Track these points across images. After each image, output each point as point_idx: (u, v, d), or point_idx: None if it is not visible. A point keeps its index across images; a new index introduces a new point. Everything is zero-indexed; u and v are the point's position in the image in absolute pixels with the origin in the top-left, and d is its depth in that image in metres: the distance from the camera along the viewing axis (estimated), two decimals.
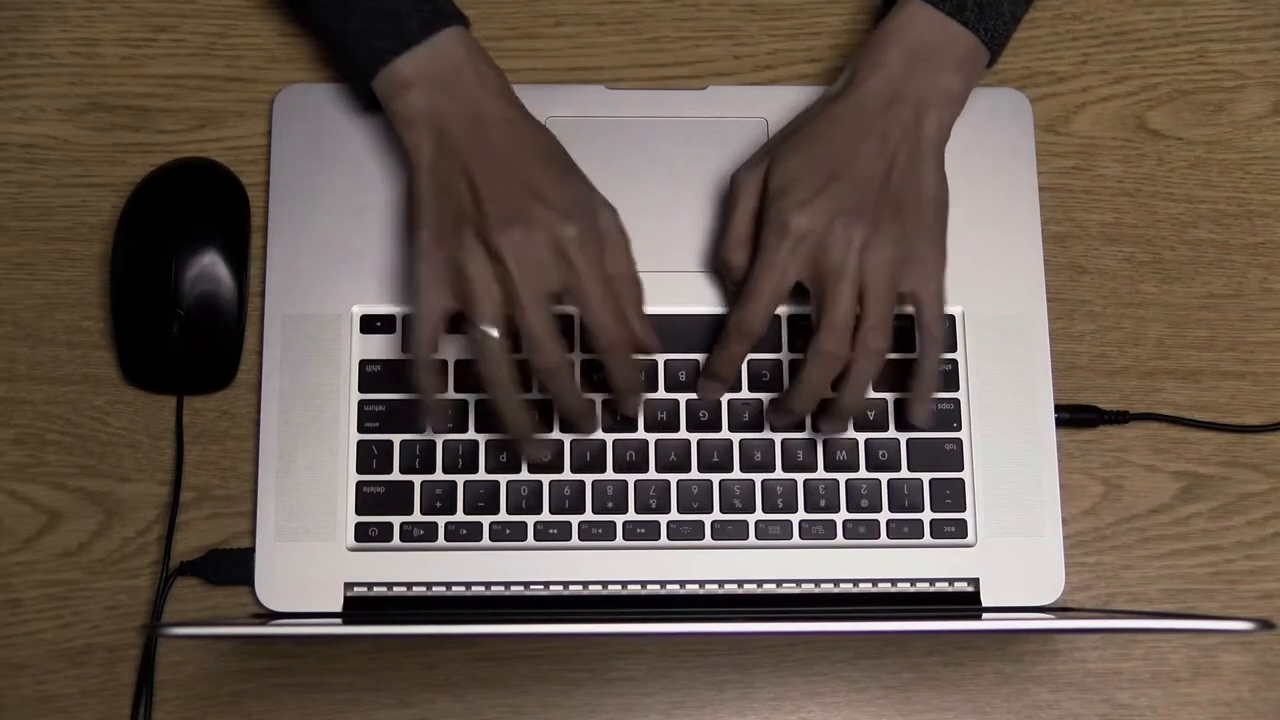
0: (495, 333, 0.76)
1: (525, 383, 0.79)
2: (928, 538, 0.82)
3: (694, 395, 0.82)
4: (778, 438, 0.82)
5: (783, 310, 0.82)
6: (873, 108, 0.79)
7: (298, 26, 0.87)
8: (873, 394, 0.82)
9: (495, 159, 0.78)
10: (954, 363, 0.83)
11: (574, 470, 0.82)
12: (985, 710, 0.81)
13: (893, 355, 0.80)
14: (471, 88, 0.79)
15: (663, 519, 0.81)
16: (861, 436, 0.82)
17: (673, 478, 0.82)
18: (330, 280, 0.83)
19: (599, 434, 0.82)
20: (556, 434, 0.82)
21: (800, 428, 0.82)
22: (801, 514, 0.81)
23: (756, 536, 0.81)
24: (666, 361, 0.82)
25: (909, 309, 0.79)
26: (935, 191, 0.79)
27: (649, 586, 0.81)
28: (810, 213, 0.77)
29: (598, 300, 0.77)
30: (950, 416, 0.83)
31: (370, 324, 0.83)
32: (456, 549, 0.81)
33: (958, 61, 0.80)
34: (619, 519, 0.81)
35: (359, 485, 0.81)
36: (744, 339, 0.79)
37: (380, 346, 0.83)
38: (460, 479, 0.81)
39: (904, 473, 0.82)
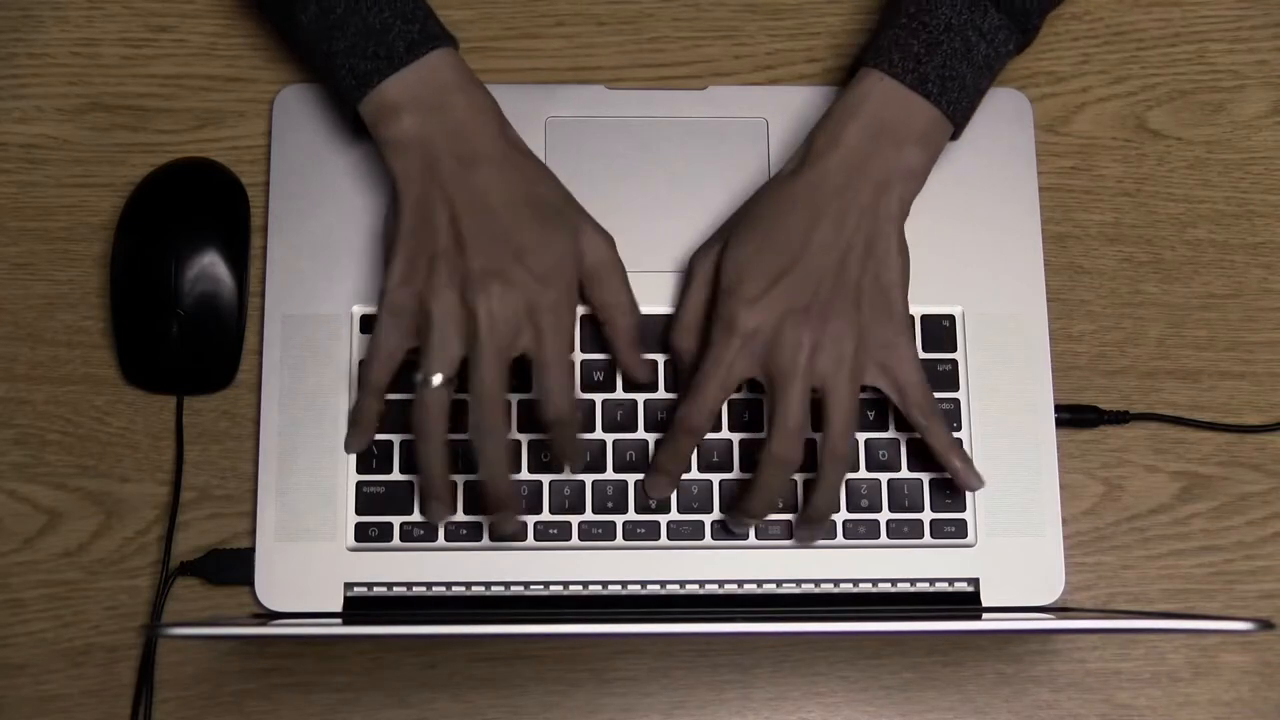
0: (439, 382, 0.75)
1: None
2: (928, 538, 0.82)
3: None
4: (740, 531, 0.82)
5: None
6: (829, 189, 0.77)
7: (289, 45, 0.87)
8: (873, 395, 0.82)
9: (482, 203, 0.76)
10: (954, 363, 0.83)
11: (574, 470, 0.82)
12: (985, 710, 0.81)
13: None
14: (462, 115, 0.78)
15: (663, 519, 0.81)
16: (862, 437, 0.82)
17: None
18: (330, 280, 0.83)
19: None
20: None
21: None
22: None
23: (757, 536, 0.81)
24: (666, 362, 0.82)
25: (889, 393, 0.78)
26: (896, 274, 0.77)
27: (649, 586, 0.81)
28: (759, 310, 0.75)
29: (556, 372, 0.76)
30: (950, 416, 0.82)
31: (370, 324, 0.83)
32: (456, 549, 0.81)
33: (920, 136, 0.78)
34: (619, 519, 0.81)
35: (359, 485, 0.81)
36: (690, 435, 0.78)
37: None
38: (460, 479, 0.81)
39: (904, 473, 0.82)
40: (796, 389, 0.75)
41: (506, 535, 0.79)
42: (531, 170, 0.79)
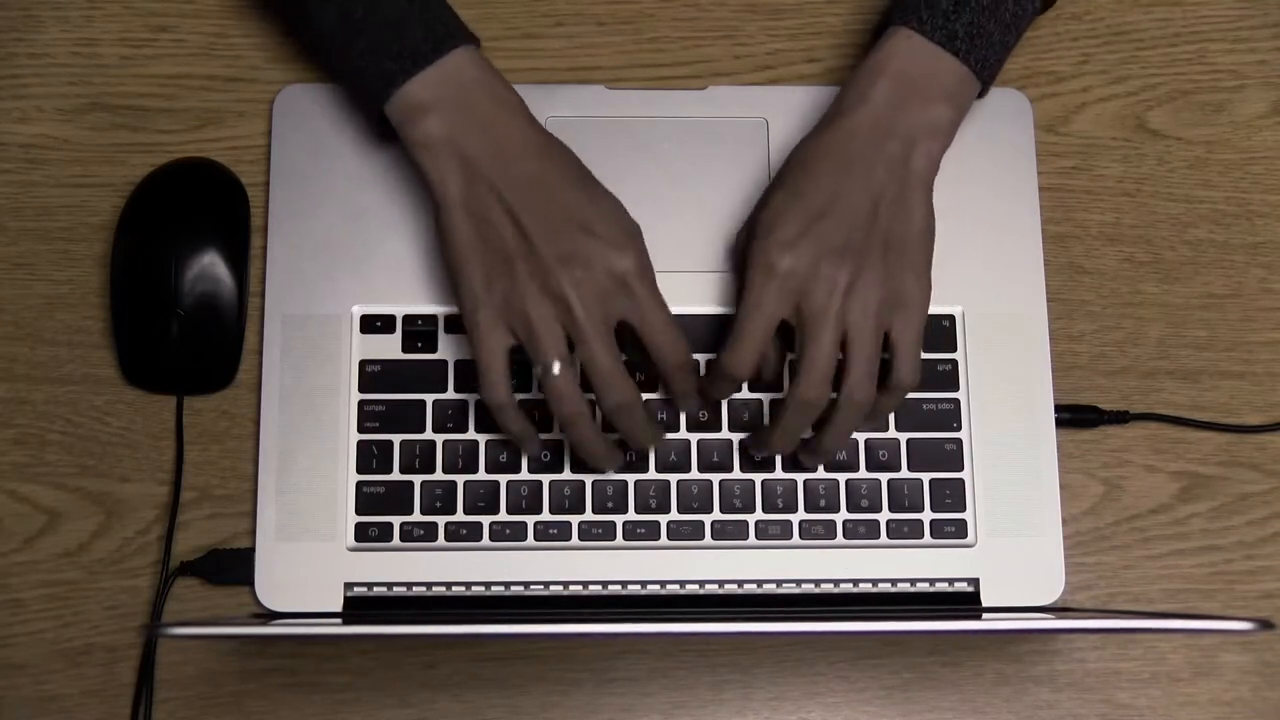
0: (559, 368, 0.75)
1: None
2: (928, 538, 0.82)
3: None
4: (759, 457, 0.82)
5: None
6: (859, 143, 0.78)
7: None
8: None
9: (531, 190, 0.76)
10: (954, 363, 0.83)
11: (574, 470, 0.82)
12: (985, 710, 0.81)
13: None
14: (490, 111, 0.78)
15: (663, 519, 0.81)
16: (862, 436, 0.82)
17: (673, 478, 0.82)
18: (330, 280, 0.83)
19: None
20: (557, 433, 0.82)
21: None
22: (801, 514, 0.81)
23: (756, 536, 0.81)
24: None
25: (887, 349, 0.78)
26: (922, 228, 0.78)
27: (649, 586, 0.81)
28: (795, 252, 0.76)
29: (662, 326, 0.77)
30: (950, 416, 0.83)
31: (370, 324, 0.83)
32: (456, 549, 0.81)
33: (947, 92, 0.79)
34: (619, 519, 0.81)
35: (359, 485, 0.81)
36: (731, 381, 0.78)
37: (380, 346, 0.83)
38: (460, 479, 0.81)
39: (904, 473, 0.82)
40: (829, 330, 0.75)
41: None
42: (567, 154, 0.80)
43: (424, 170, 0.78)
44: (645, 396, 0.81)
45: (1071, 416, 0.83)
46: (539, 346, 0.75)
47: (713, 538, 0.81)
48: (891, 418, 0.82)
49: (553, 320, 0.75)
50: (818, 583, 0.81)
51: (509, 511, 0.81)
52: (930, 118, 0.78)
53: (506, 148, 0.77)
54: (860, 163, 0.77)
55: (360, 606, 0.80)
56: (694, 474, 0.82)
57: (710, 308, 0.83)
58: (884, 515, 0.82)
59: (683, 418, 0.82)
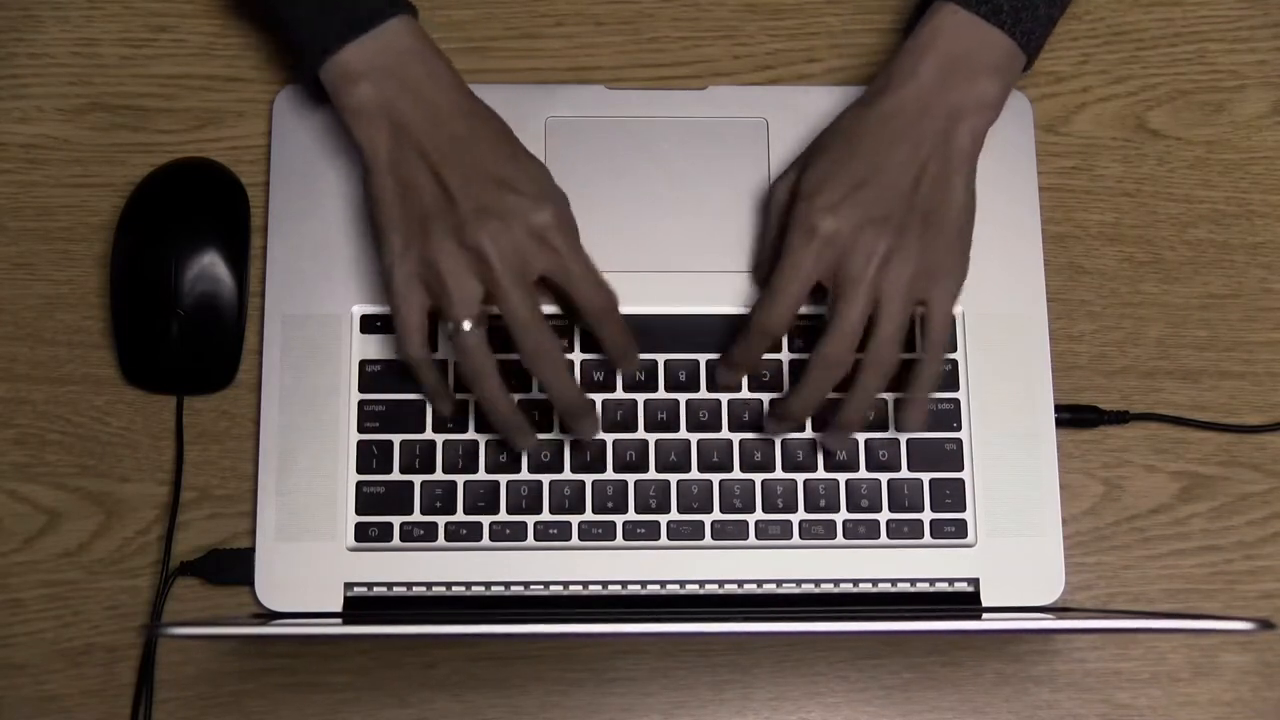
0: (470, 326, 0.76)
1: (521, 385, 0.79)
2: (927, 538, 0.82)
3: (694, 395, 0.82)
4: (777, 438, 0.82)
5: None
6: (905, 118, 0.78)
7: (244, 18, 0.86)
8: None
9: (457, 151, 0.77)
10: (954, 363, 0.83)
11: (574, 470, 0.82)
12: (985, 710, 0.81)
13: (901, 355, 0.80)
14: (422, 79, 0.78)
15: (663, 519, 0.81)
16: (861, 437, 0.82)
17: (673, 478, 0.82)
18: (330, 280, 0.83)
19: (599, 435, 0.82)
20: (557, 434, 0.82)
21: (800, 429, 0.82)
22: (801, 514, 0.81)
23: (756, 536, 0.81)
24: (666, 362, 0.82)
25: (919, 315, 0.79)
26: (963, 204, 0.79)
27: (649, 586, 0.81)
28: (838, 216, 0.77)
29: (583, 276, 0.77)
30: (950, 416, 0.83)
31: (370, 324, 0.83)
32: (456, 549, 0.81)
33: (993, 67, 0.79)
34: (619, 519, 0.81)
35: (359, 485, 0.81)
36: (765, 337, 0.79)
37: (380, 346, 0.83)
38: (460, 479, 0.81)
39: (904, 473, 0.82)
40: (862, 295, 0.76)
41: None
42: (498, 120, 0.80)
43: (355, 135, 0.79)
44: (584, 358, 0.82)
45: (1071, 416, 0.83)
46: (451, 305, 0.76)
47: (713, 538, 0.81)
48: (891, 418, 0.82)
49: (468, 274, 0.76)
50: (818, 583, 0.81)
51: (509, 511, 0.81)
52: (977, 93, 0.79)
53: (437, 112, 0.78)
54: (905, 138, 0.78)
55: (360, 606, 0.80)
56: (694, 474, 0.82)
57: (711, 308, 0.83)
58: (884, 515, 0.82)
59: (683, 422, 0.82)
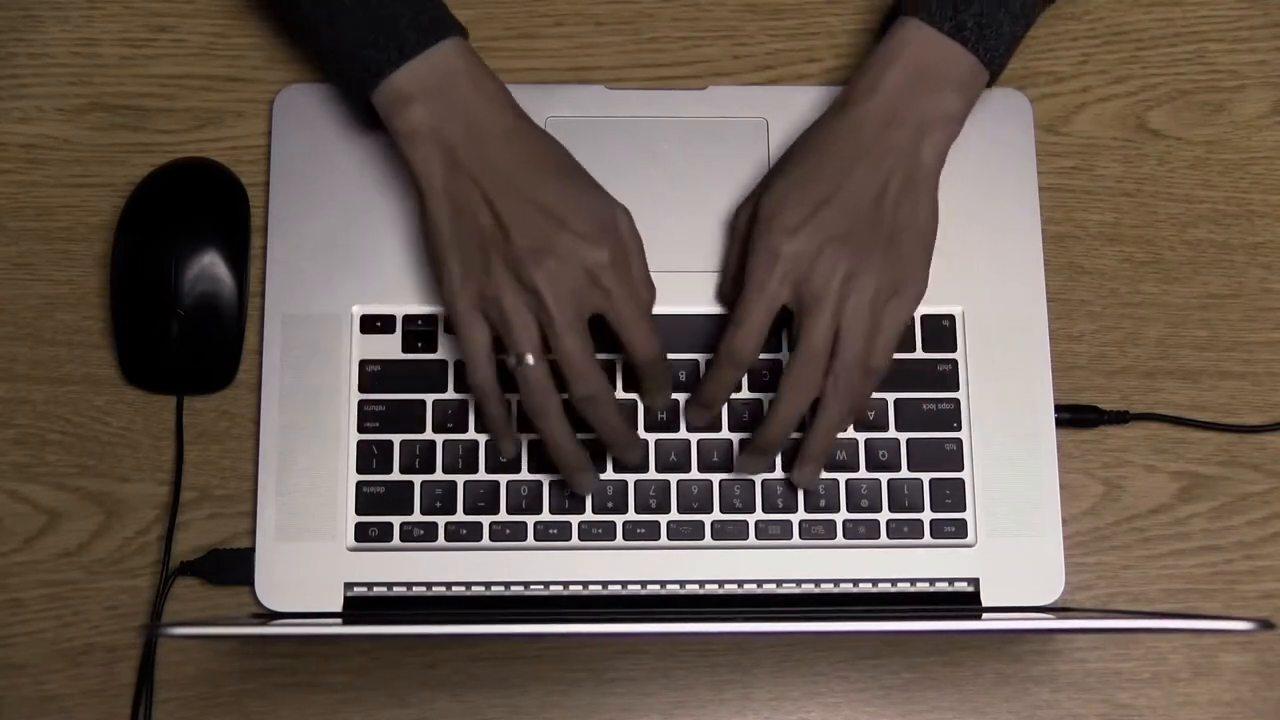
0: (533, 360, 0.76)
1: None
2: (927, 538, 0.82)
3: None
4: (756, 477, 0.82)
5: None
6: (869, 130, 0.78)
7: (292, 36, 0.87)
8: (874, 395, 0.82)
9: (509, 179, 0.77)
10: (954, 363, 0.83)
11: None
12: (985, 710, 0.81)
13: (899, 355, 0.79)
14: (473, 100, 0.78)
15: (663, 519, 0.81)
16: (861, 436, 0.82)
17: (673, 478, 0.82)
18: (330, 280, 0.83)
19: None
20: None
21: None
22: (801, 514, 0.81)
23: (756, 536, 0.81)
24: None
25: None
26: (926, 220, 0.79)
27: (649, 586, 0.81)
28: (800, 237, 0.76)
29: (634, 320, 0.77)
30: (950, 416, 0.83)
31: (370, 324, 0.83)
32: (456, 549, 0.81)
33: (957, 82, 0.79)
34: (619, 519, 0.81)
35: (359, 485, 0.81)
36: (735, 368, 0.78)
37: (380, 346, 0.83)
38: (460, 479, 0.81)
39: (904, 473, 0.82)
40: (826, 315, 0.76)
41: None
42: (551, 143, 0.80)
43: (409, 159, 0.78)
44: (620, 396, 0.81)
45: (1071, 416, 0.83)
46: (512, 338, 0.76)
47: (713, 538, 0.81)
48: (891, 418, 0.82)
49: (526, 311, 0.76)
50: (818, 583, 0.81)
51: (509, 511, 0.81)
52: (941, 107, 0.78)
53: (488, 136, 0.78)
54: (868, 152, 0.78)
55: (360, 606, 0.80)
56: (694, 474, 0.82)
57: (710, 308, 0.83)
58: (884, 515, 0.82)
59: (683, 422, 0.82)
